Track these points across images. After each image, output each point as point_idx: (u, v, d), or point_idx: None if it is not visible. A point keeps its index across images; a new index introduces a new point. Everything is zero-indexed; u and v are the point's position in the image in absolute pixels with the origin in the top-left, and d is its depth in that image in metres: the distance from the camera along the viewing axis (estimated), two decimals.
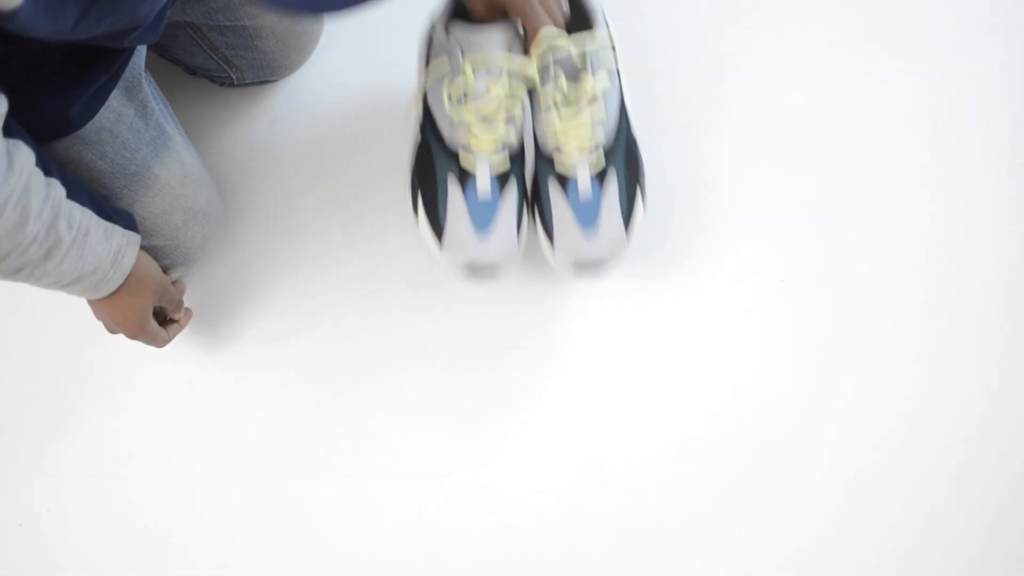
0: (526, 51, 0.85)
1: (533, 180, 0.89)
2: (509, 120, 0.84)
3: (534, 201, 0.88)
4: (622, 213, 0.86)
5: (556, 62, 0.83)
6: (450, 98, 0.83)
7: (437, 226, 0.85)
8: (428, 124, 0.87)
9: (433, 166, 0.86)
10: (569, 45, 0.82)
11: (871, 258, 0.95)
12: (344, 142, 1.00)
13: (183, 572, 0.90)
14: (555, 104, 0.84)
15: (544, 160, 0.87)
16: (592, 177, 0.85)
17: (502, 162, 0.85)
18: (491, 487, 0.91)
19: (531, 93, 0.87)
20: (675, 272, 0.95)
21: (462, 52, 0.82)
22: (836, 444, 0.90)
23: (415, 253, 0.95)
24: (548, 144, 0.86)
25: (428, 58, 0.88)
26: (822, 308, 0.94)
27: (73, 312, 0.96)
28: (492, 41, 0.82)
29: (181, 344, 0.95)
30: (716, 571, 0.88)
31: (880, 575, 0.88)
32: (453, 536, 0.89)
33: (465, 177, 0.85)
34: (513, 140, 0.85)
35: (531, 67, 0.83)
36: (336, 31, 1.02)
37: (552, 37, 0.81)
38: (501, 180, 0.85)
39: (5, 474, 0.93)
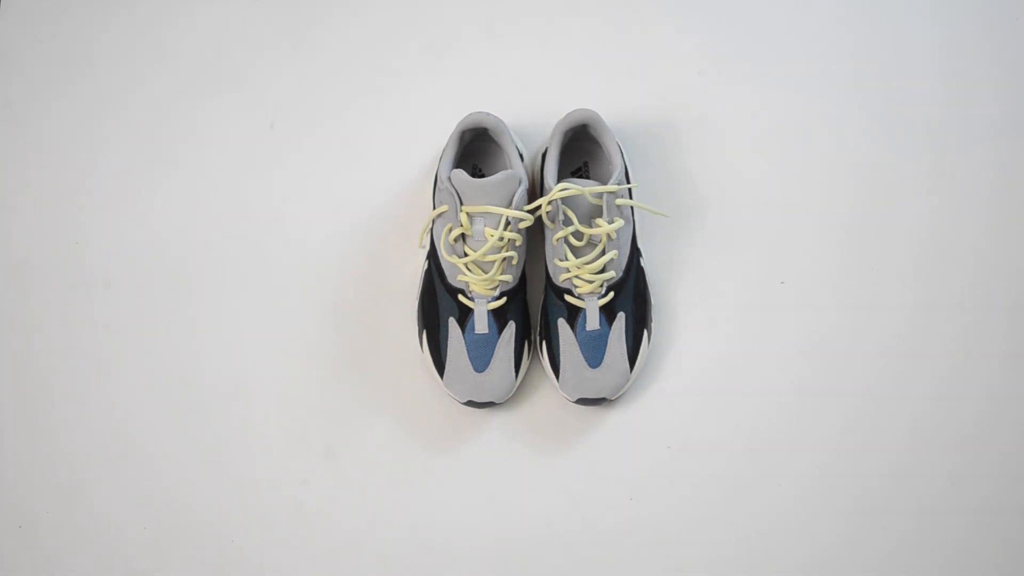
0: (532, 198, 0.90)
1: (542, 309, 0.91)
2: (505, 268, 0.87)
3: (542, 332, 0.90)
4: (627, 351, 0.88)
5: (569, 205, 0.86)
6: (447, 242, 0.86)
7: (439, 362, 0.89)
8: (433, 257, 0.90)
9: (436, 301, 0.89)
10: (585, 193, 0.85)
11: (871, 258, 0.95)
12: None
13: (183, 573, 0.90)
14: (567, 244, 0.87)
15: (553, 291, 0.89)
16: (600, 313, 0.87)
17: (498, 300, 0.87)
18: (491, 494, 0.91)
19: (541, 227, 0.90)
20: (673, 273, 0.95)
21: (460, 201, 0.85)
22: (837, 446, 0.90)
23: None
24: (558, 278, 0.88)
25: (435, 196, 0.92)
26: (822, 309, 0.94)
27: (69, 319, 0.96)
28: (491, 193, 0.85)
29: (179, 348, 0.95)
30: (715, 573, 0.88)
31: None
32: (451, 537, 0.89)
33: (464, 315, 0.88)
34: (510, 280, 0.88)
35: (530, 220, 0.86)
36: None
37: (564, 189, 0.85)
38: (499, 317, 0.88)
39: (5, 475, 0.93)
